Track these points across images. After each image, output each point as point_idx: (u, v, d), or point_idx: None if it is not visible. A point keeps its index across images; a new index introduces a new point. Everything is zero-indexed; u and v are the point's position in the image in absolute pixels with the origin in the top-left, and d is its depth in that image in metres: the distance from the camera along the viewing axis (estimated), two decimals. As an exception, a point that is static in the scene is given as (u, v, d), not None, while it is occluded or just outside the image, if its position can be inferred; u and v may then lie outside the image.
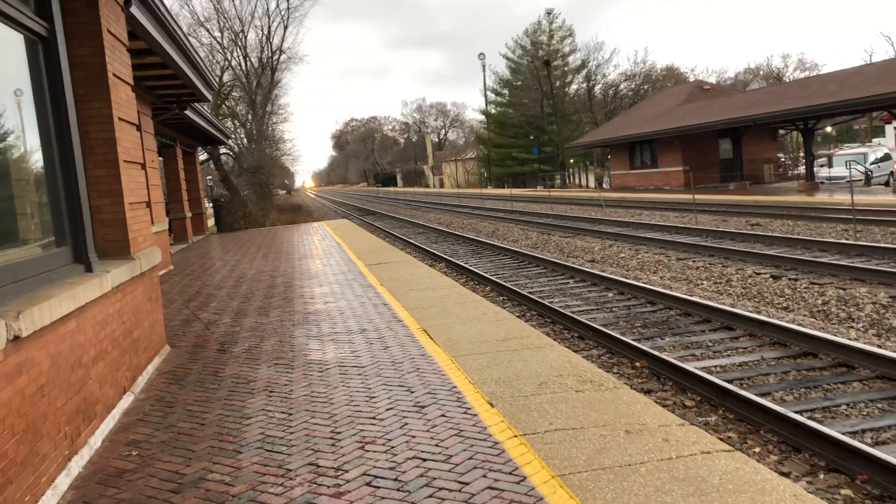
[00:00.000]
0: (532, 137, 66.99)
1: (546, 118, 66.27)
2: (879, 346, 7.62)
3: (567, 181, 65.42)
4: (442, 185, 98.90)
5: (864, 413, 5.89)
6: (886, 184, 30.73)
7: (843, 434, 5.11)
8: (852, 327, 8.91)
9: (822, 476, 4.86)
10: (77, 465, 4.16)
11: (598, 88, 70.84)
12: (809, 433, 5.20)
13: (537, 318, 10.26)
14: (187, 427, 4.81)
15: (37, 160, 4.85)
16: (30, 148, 4.77)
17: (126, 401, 5.38)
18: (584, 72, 69.77)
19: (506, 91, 75.72)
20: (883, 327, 8.72)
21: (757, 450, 5.33)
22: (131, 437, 4.70)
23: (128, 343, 5.64)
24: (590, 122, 65.46)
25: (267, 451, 4.25)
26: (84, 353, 4.55)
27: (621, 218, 25.02)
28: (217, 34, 45.24)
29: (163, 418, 5.05)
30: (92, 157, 5.60)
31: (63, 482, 3.91)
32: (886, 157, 32.90)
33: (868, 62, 49.10)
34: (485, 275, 13.81)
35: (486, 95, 76.27)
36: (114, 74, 5.87)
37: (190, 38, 11.55)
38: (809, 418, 5.56)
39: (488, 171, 75.67)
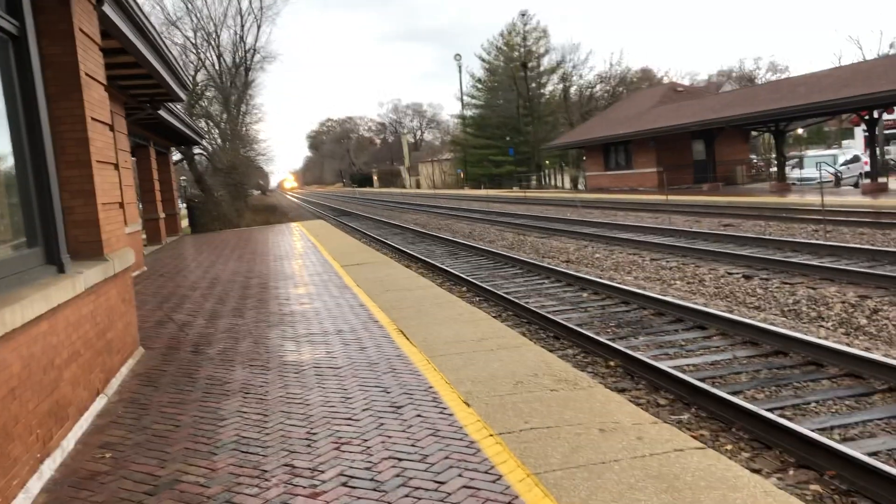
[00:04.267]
0: (508, 139, 67.14)
1: (522, 119, 66.48)
2: (848, 345, 7.76)
3: (543, 182, 65.67)
4: (418, 186, 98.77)
5: (833, 410, 6.00)
6: (855, 185, 31.25)
7: (813, 431, 5.20)
8: (822, 326, 9.06)
9: (791, 472, 4.94)
10: (49, 467, 4.12)
11: (573, 90, 71.24)
12: (780, 430, 5.28)
13: (513, 319, 10.31)
14: (161, 429, 4.78)
15: (8, 160, 4.79)
16: (0, 148, 4.71)
17: (99, 403, 5.33)
18: (559, 73, 70.11)
19: (483, 93, 75.81)
20: (852, 326, 8.88)
21: (729, 447, 5.41)
22: (105, 440, 4.66)
23: (101, 345, 5.59)
24: (565, 124, 65.74)
25: (242, 452, 4.23)
26: (56, 354, 4.51)
27: (596, 219, 25.20)
28: (190, 34, 44.85)
29: (136, 420, 5.01)
30: (64, 157, 5.54)
31: (35, 485, 3.87)
32: (855, 160, 33.47)
33: (837, 65, 49.86)
34: (461, 275, 13.84)
35: (462, 97, 76.36)
36: (86, 74, 5.81)
37: (163, 38, 11.45)
38: (780, 416, 5.65)
39: (464, 172, 75.72)
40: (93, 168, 5.73)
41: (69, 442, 4.53)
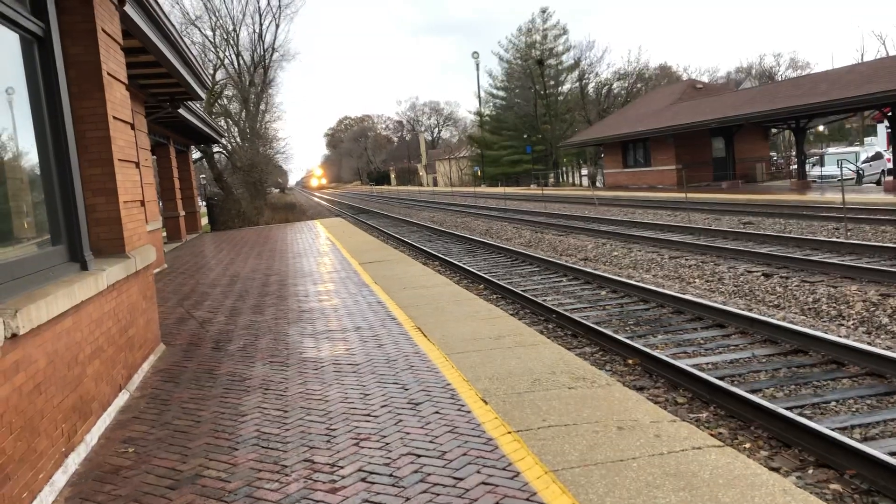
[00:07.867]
0: (526, 136, 67.02)
1: (539, 117, 66.35)
2: (869, 344, 7.70)
3: (560, 180, 65.58)
4: (436, 184, 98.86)
5: (854, 409, 5.95)
6: (878, 182, 30.90)
7: (833, 430, 5.17)
8: (843, 325, 8.99)
9: (811, 471, 4.92)
10: (74, 461, 4.19)
11: (591, 87, 71.04)
12: (799, 429, 5.26)
13: (531, 316, 10.31)
14: (183, 424, 4.84)
15: (32, 159, 4.87)
16: (25, 147, 4.78)
17: (122, 398, 5.40)
18: (577, 71, 69.86)
19: (501, 91, 75.74)
20: (873, 325, 8.80)
21: (747, 445, 5.39)
22: (127, 435, 4.72)
23: (123, 341, 5.66)
24: (583, 121, 65.56)
25: (262, 447, 4.28)
26: (80, 350, 4.58)
27: (614, 216, 25.10)
28: (209, 33, 45.18)
29: (158, 416, 5.07)
30: (86, 155, 5.62)
31: (60, 479, 3.94)
32: (877, 156, 33.09)
33: (859, 61, 49.31)
34: (479, 273, 13.85)
35: (479, 95, 76.46)
36: (108, 73, 5.88)
37: (183, 37, 11.55)
38: (799, 414, 5.62)
39: (482, 169, 75.68)
40: (115, 166, 5.80)
41: (93, 437, 4.60)
